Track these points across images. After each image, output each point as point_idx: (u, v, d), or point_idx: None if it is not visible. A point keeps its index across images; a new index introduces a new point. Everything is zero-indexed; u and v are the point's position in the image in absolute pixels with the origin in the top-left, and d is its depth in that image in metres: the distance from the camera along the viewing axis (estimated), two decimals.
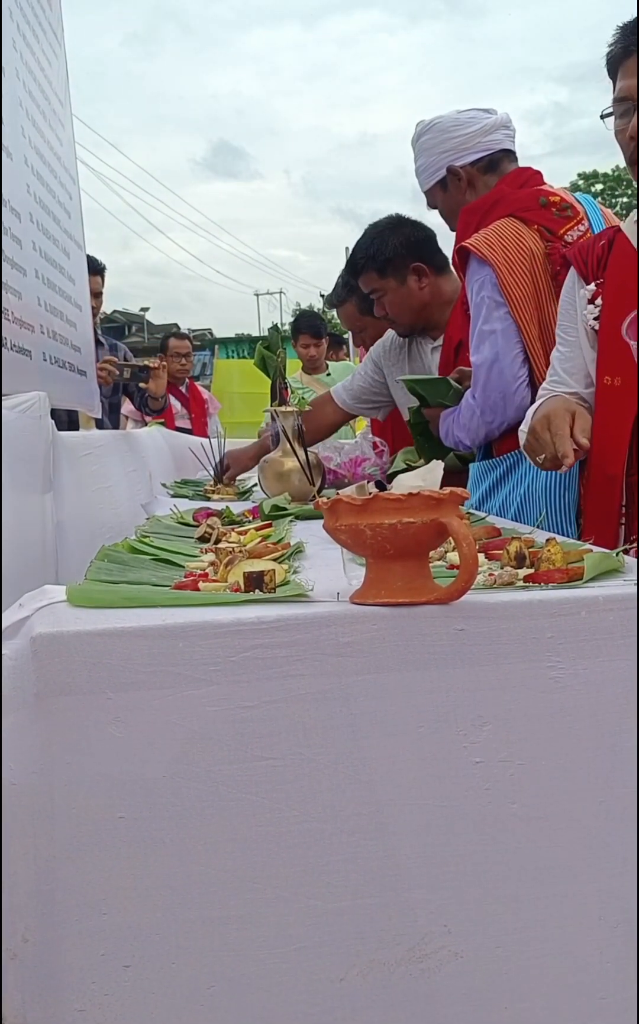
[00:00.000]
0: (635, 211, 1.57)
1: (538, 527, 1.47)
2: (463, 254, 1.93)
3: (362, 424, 4.24)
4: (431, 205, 2.21)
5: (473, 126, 2.06)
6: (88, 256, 3.29)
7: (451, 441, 2.07)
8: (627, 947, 0.90)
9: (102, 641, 0.82)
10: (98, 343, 3.72)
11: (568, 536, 1.65)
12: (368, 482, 2.07)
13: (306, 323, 4.96)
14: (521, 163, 2.12)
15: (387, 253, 2.33)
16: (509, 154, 2.11)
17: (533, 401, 1.78)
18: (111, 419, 3.92)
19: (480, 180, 2.08)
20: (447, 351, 2.36)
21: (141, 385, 3.81)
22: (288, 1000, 0.85)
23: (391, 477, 2.35)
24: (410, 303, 2.37)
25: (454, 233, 2.15)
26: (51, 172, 2.42)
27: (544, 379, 1.78)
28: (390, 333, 2.60)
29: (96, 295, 3.75)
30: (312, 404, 2.78)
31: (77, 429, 3.11)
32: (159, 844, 0.83)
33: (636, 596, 0.89)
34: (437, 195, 2.15)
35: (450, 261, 2.20)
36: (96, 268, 3.76)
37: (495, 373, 1.88)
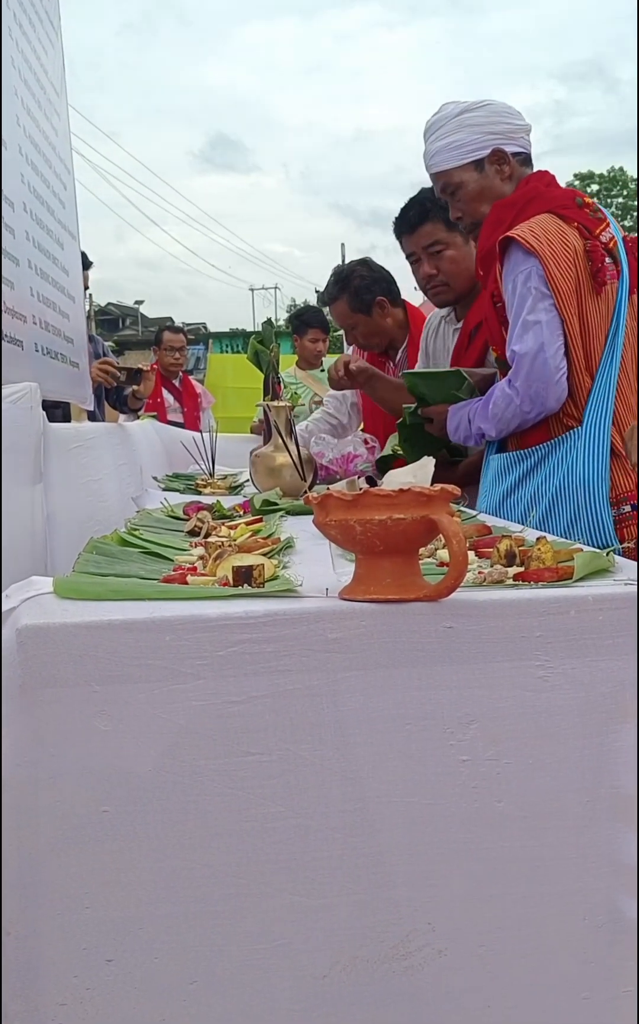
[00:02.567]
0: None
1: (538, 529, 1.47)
2: (505, 244, 1.91)
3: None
4: (443, 189, 2.11)
5: (521, 121, 2.06)
6: None
7: (462, 435, 2.03)
8: (610, 946, 0.90)
9: (88, 633, 0.82)
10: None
11: (605, 525, 1.72)
12: (359, 478, 2.06)
13: (316, 318, 4.96)
14: None
15: None
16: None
17: (568, 396, 1.83)
18: (99, 409, 3.91)
19: (517, 173, 2.05)
20: (464, 335, 2.38)
21: (135, 388, 3.79)
22: (271, 996, 0.85)
23: (381, 462, 2.34)
24: (467, 266, 2.37)
25: (455, 216, 2.11)
26: (45, 162, 2.41)
27: (580, 375, 1.83)
28: (430, 321, 2.60)
29: None
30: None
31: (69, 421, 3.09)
32: (143, 838, 0.83)
33: (636, 596, 0.89)
34: (466, 174, 2.06)
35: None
36: (82, 263, 3.73)
37: (539, 363, 1.85)
